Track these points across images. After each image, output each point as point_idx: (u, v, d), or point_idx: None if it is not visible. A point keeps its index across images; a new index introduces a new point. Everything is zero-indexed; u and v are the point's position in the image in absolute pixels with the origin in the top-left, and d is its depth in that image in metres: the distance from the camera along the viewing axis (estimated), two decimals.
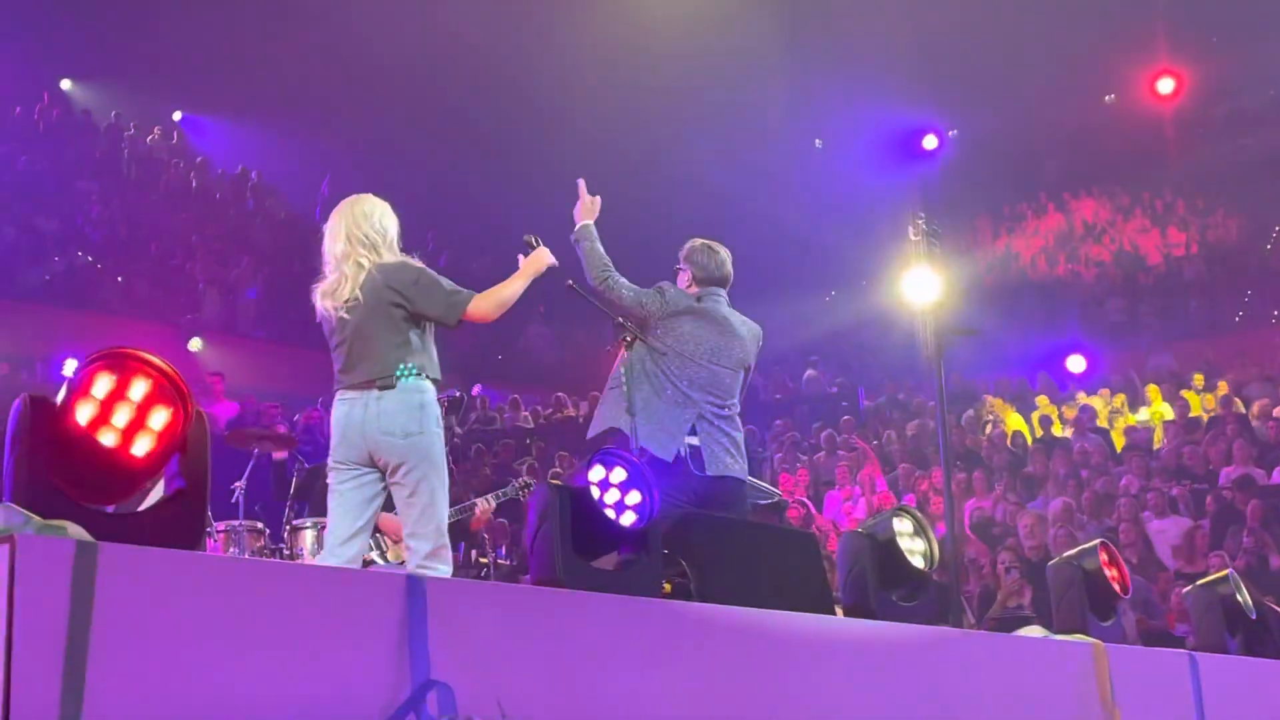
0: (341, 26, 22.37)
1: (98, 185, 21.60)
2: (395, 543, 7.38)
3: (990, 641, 4.72)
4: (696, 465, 6.02)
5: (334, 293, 5.18)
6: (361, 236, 5.20)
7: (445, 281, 5.26)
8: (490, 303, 5.27)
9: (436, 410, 5.15)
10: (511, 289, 5.38)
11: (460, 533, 8.36)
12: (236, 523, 8.08)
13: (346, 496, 5.08)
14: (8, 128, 21.89)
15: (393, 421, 5.01)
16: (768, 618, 3.79)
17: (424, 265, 5.30)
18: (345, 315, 5.13)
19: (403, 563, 7.49)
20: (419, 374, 5.11)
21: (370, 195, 5.43)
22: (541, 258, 5.57)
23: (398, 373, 5.07)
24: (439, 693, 2.88)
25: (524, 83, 22.97)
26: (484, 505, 8.40)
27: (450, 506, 8.29)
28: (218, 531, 7.87)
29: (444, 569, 4.94)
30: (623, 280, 6.57)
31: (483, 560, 9.59)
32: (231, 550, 8.08)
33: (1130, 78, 25.41)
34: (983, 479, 14.16)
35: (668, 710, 3.38)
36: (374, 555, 7.30)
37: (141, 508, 3.14)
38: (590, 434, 6.55)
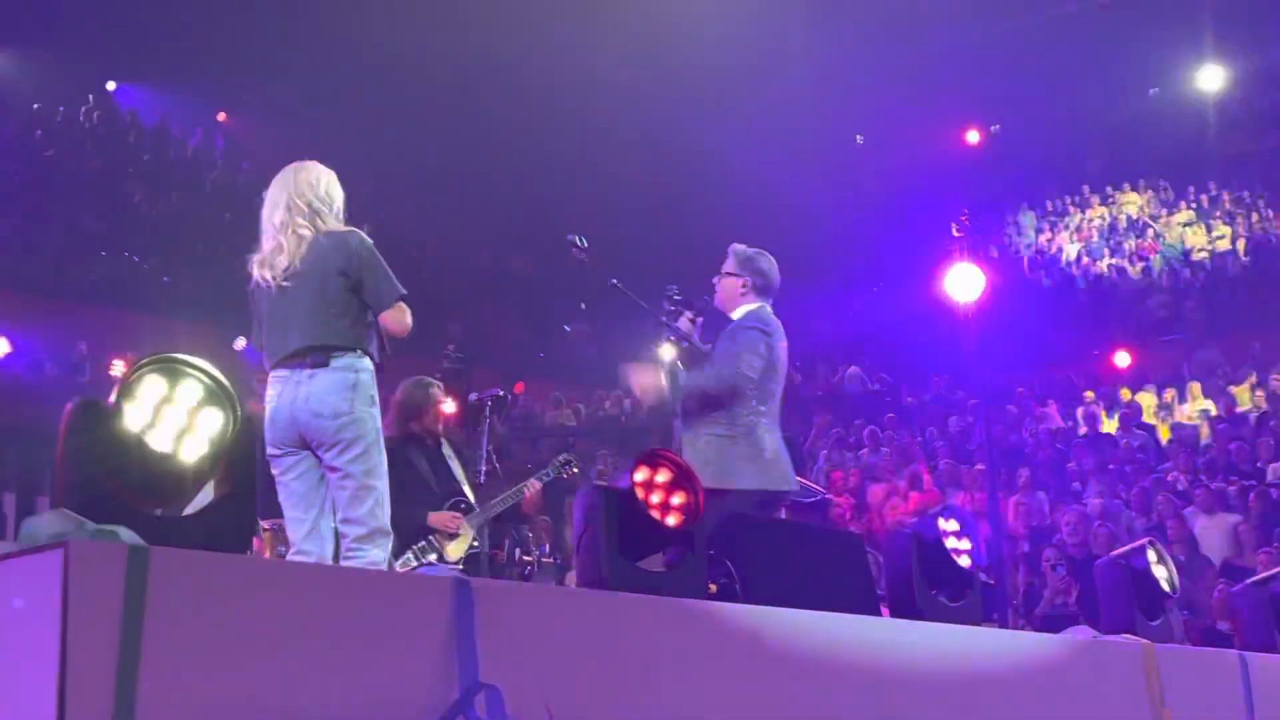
0: (386, 26, 22.45)
1: (144, 186, 21.78)
2: (450, 539, 7.36)
3: (1039, 642, 4.69)
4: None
5: (270, 262, 4.87)
6: (304, 205, 4.91)
7: (387, 269, 4.90)
8: (407, 316, 4.91)
9: (371, 389, 4.81)
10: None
11: (513, 516, 8.36)
12: (283, 521, 8.11)
13: (290, 488, 4.82)
14: (55, 130, 22.10)
15: (322, 402, 4.68)
16: (814, 619, 3.78)
17: (372, 243, 4.94)
18: (284, 284, 4.81)
19: (459, 561, 7.53)
20: (355, 350, 4.78)
21: (315, 163, 5.14)
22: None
23: (332, 347, 4.76)
24: (487, 695, 2.89)
25: (565, 80, 23.00)
26: (533, 485, 8.38)
27: (495, 496, 8.35)
28: (264, 529, 7.92)
29: (375, 553, 4.63)
30: (733, 371, 6.03)
31: (527, 558, 9.60)
32: (279, 549, 8.12)
33: (1174, 70, 25.19)
34: (1027, 475, 14.06)
35: (715, 714, 3.38)
36: (431, 557, 7.30)
37: (190, 511, 3.17)
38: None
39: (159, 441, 3.05)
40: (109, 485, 2.92)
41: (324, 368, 4.72)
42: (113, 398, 3.03)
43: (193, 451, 3.09)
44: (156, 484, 3.06)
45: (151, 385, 3.08)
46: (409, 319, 4.87)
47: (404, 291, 4.87)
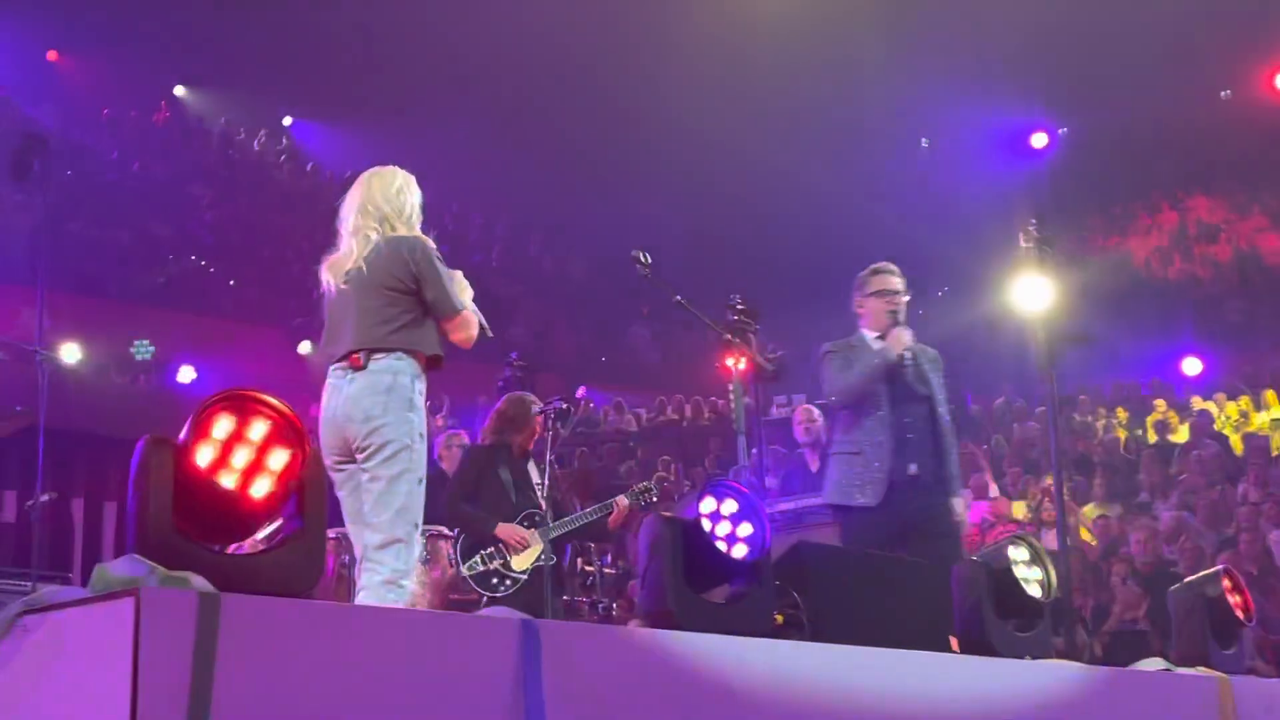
0: (450, 30, 22.53)
1: (210, 190, 22.00)
2: (518, 551, 7.42)
3: (1110, 677, 4.61)
4: None
5: (336, 266, 4.91)
6: (374, 210, 4.91)
7: (446, 280, 4.86)
8: (471, 325, 4.90)
9: (409, 393, 4.70)
10: (474, 318, 4.96)
11: (598, 531, 8.39)
12: (346, 530, 8.14)
13: (345, 504, 4.79)
14: (123, 133, 22.37)
15: (356, 405, 4.65)
16: (879, 657, 3.74)
17: (436, 249, 4.92)
18: (343, 287, 4.85)
19: (525, 571, 7.56)
20: (396, 353, 4.71)
21: (394, 167, 5.13)
22: (462, 287, 5.07)
23: (374, 349, 4.71)
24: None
25: (625, 86, 23.00)
26: (622, 502, 8.39)
27: (556, 506, 8.35)
28: (328, 539, 7.96)
29: (392, 566, 4.55)
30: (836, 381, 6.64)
31: (589, 569, 9.59)
32: (343, 558, 8.16)
33: (1247, 72, 24.82)
34: (1096, 486, 13.90)
35: None
36: (496, 564, 7.35)
37: (259, 548, 3.17)
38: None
39: (228, 479, 3.05)
40: (179, 525, 2.92)
41: (362, 371, 4.69)
42: (183, 435, 3.03)
43: (262, 489, 3.09)
44: (226, 522, 3.07)
45: (221, 422, 3.08)
46: (470, 331, 4.88)
47: (460, 307, 4.84)
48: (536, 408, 7.76)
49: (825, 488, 6.77)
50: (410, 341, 4.75)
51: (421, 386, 4.76)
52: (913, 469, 6.49)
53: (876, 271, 7.00)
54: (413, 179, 5.10)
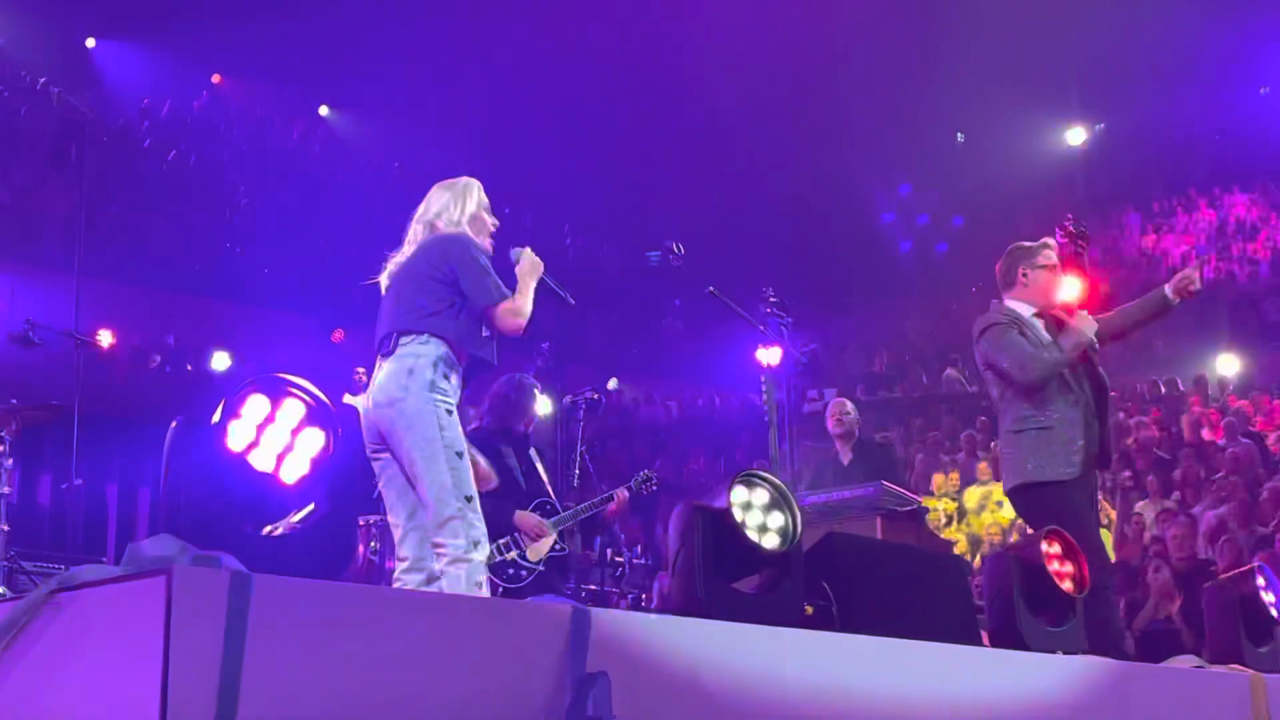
0: (483, 24, 22.57)
1: (245, 179, 22.08)
2: (534, 541, 7.33)
3: (1142, 673, 4.58)
4: None
5: (391, 266, 5.11)
6: (431, 215, 5.14)
7: (482, 272, 4.94)
8: (518, 313, 4.94)
9: (430, 374, 4.66)
10: (526, 302, 5.04)
11: (596, 525, 8.37)
12: (378, 518, 8.18)
13: (385, 494, 4.66)
14: (160, 120, 22.47)
15: (382, 390, 4.61)
16: (911, 649, 3.72)
17: (480, 246, 5.07)
18: (388, 281, 5.05)
19: (540, 562, 7.53)
20: (422, 335, 4.73)
21: (462, 178, 5.33)
22: (528, 266, 5.18)
23: (402, 331, 4.76)
24: (600, 689, 2.88)
25: (656, 78, 22.99)
26: (620, 495, 8.37)
27: (585, 499, 8.34)
28: (358, 526, 7.98)
29: (451, 544, 4.50)
30: (1035, 355, 6.42)
31: (619, 559, 9.60)
32: (373, 544, 8.20)
33: None
34: (1129, 484, 13.81)
35: None
36: (512, 554, 7.26)
37: (288, 530, 3.19)
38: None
39: (261, 461, 3.06)
40: (211, 506, 2.94)
41: (391, 355, 4.73)
42: (216, 416, 3.04)
43: (294, 471, 3.10)
44: (258, 504, 3.08)
45: (254, 405, 3.10)
46: (515, 319, 4.90)
47: (500, 297, 4.88)
48: (536, 388, 7.66)
49: (1008, 467, 6.54)
50: (438, 327, 4.77)
51: (447, 371, 4.73)
52: (1095, 446, 6.46)
53: (1046, 245, 6.89)
54: (475, 185, 5.29)
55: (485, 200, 5.28)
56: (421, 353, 4.69)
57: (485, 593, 4.50)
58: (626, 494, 8.42)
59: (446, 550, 4.47)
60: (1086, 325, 6.46)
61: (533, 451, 7.78)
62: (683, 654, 3.19)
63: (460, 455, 4.61)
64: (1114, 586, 6.32)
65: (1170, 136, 25.09)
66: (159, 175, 20.49)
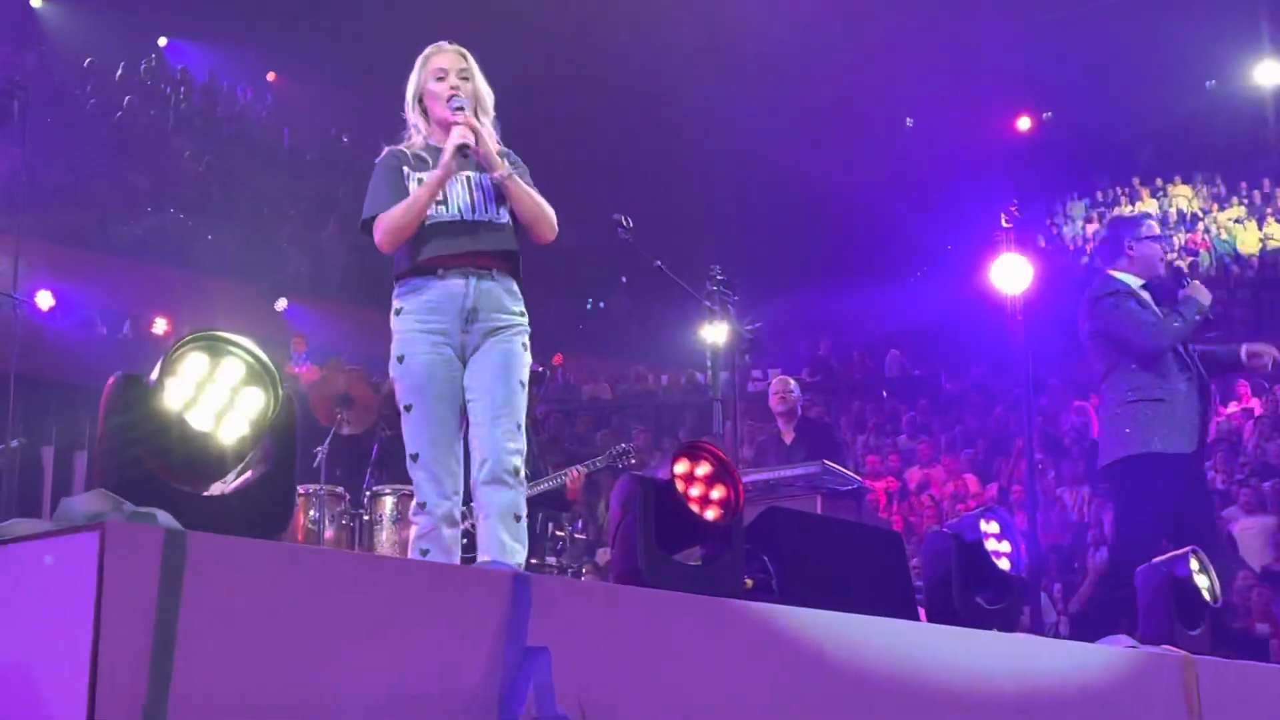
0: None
1: (191, 144, 21.85)
2: None
3: (1076, 651, 4.63)
4: None
5: None
6: None
7: (371, 188, 4.63)
8: (381, 227, 4.54)
9: (395, 327, 4.53)
10: (408, 209, 4.53)
11: (555, 502, 8.36)
12: (317, 487, 8.14)
13: None
14: (105, 84, 22.19)
15: None
16: (849, 622, 3.74)
17: (392, 154, 4.71)
18: None
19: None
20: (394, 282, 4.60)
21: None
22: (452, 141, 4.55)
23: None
24: (541, 663, 2.87)
25: (610, 58, 22.93)
26: (576, 474, 8.36)
27: (535, 477, 8.30)
28: (298, 495, 7.93)
29: (421, 520, 4.40)
30: (1160, 323, 6.48)
31: (559, 533, 9.60)
32: (311, 514, 8.15)
33: (1231, 63, 24.90)
34: (1067, 469, 13.95)
35: (746, 714, 3.34)
36: (466, 525, 7.25)
37: (227, 490, 3.14)
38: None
39: (199, 420, 3.01)
40: (148, 464, 2.89)
41: None
42: (154, 374, 2.99)
43: (233, 431, 3.06)
44: (196, 463, 3.04)
45: (193, 362, 3.05)
46: (379, 235, 4.54)
47: (364, 215, 4.62)
48: None
49: (1114, 438, 6.55)
50: (400, 267, 4.60)
51: (398, 305, 4.54)
52: (1204, 425, 6.49)
53: (1149, 216, 6.92)
54: (421, 57, 4.83)
55: (438, 63, 4.73)
56: (395, 300, 4.58)
57: (439, 556, 4.33)
58: (584, 473, 8.41)
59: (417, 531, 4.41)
60: (1203, 294, 6.51)
61: None
62: (625, 623, 3.18)
63: (407, 408, 4.45)
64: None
65: (1116, 127, 25.32)
66: (103, 138, 20.24)
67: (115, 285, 17.49)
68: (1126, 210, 6.89)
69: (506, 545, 4.32)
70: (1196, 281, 6.71)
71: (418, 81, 4.73)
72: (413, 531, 4.42)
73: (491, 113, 4.78)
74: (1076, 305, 6.87)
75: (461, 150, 4.47)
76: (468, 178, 4.60)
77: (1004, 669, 4.14)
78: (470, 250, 4.53)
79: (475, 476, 4.42)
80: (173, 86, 23.71)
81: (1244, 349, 6.77)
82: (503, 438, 4.42)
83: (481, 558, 4.30)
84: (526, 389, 4.58)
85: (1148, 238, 6.69)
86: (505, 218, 4.64)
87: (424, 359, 4.43)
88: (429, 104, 4.69)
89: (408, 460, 4.43)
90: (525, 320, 4.63)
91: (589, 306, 24.45)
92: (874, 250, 23.20)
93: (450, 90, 4.63)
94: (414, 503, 4.40)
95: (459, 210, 4.56)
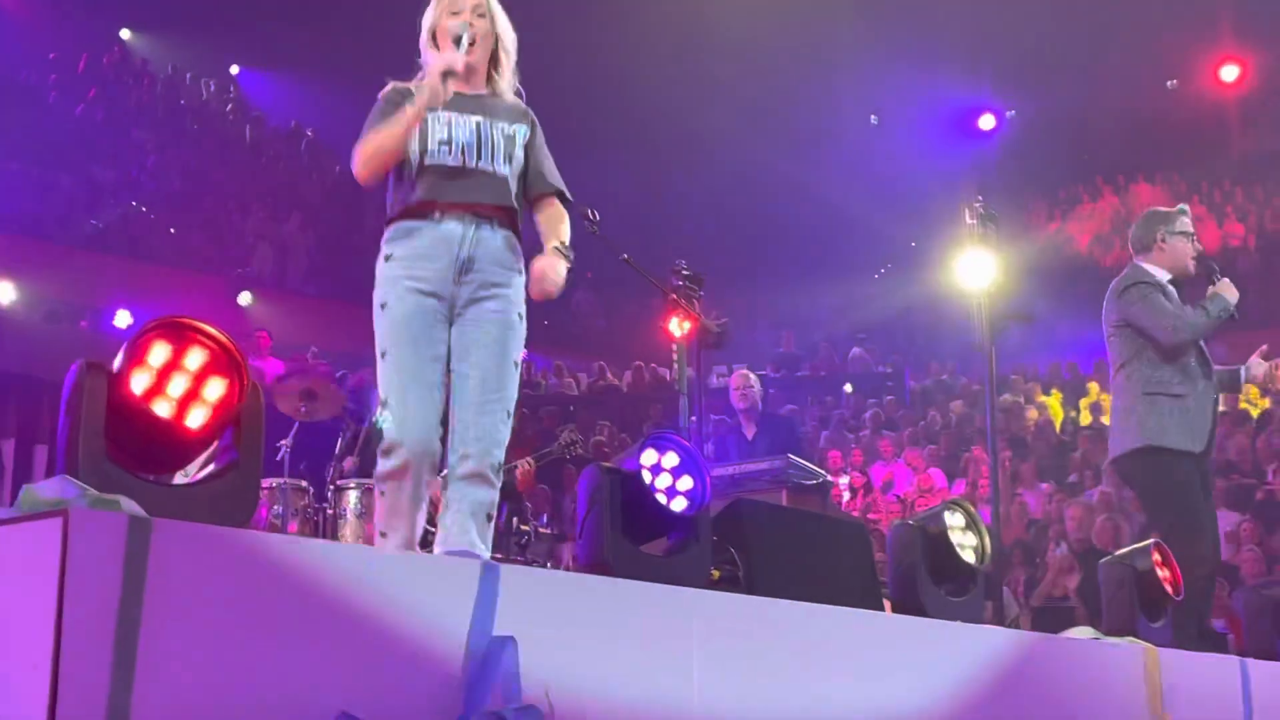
0: None
1: (154, 136, 21.71)
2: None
3: (1039, 642, 4.66)
4: None
5: None
6: None
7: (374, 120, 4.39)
8: (358, 156, 4.31)
9: (383, 271, 4.26)
10: (380, 137, 4.29)
11: (505, 495, 8.35)
12: (281, 481, 8.10)
13: None
14: (66, 76, 22.01)
15: None
16: (815, 612, 3.75)
17: (391, 90, 4.49)
18: None
19: None
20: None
21: None
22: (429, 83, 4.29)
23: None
24: (506, 649, 2.86)
25: (572, 55, 22.88)
26: (525, 466, 8.35)
27: None
28: (262, 489, 7.88)
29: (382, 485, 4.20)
30: (1180, 317, 6.52)
31: (524, 528, 9.59)
32: (275, 508, 8.11)
33: (1193, 63, 25.07)
34: (1030, 465, 14.04)
35: (715, 704, 3.34)
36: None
37: (193, 479, 3.12)
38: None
39: (164, 408, 2.99)
40: (111, 452, 2.87)
41: None
42: (117, 362, 2.97)
43: (198, 418, 3.04)
44: (160, 451, 3.02)
45: (157, 350, 3.02)
46: (357, 165, 4.32)
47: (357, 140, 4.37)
48: None
49: (1128, 430, 6.53)
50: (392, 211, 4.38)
51: (387, 250, 4.28)
52: (1215, 424, 6.52)
53: (1184, 211, 6.91)
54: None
55: (450, 2, 4.48)
56: (383, 246, 4.34)
57: (389, 500, 4.16)
58: (533, 466, 8.40)
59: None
60: (1230, 292, 6.53)
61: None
62: (592, 613, 3.18)
63: (382, 355, 4.21)
64: (1209, 575, 6.34)
65: (1078, 126, 25.47)
66: (65, 130, 20.08)
67: (77, 277, 17.36)
68: (1164, 209, 6.92)
69: (476, 545, 4.10)
70: (1226, 279, 6.72)
71: (433, 17, 4.50)
72: (376, 474, 4.24)
73: (513, 55, 4.57)
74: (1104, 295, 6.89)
75: (446, 76, 4.22)
76: (477, 124, 4.36)
77: (969, 660, 4.16)
78: (472, 197, 4.29)
79: (454, 467, 4.19)
80: (135, 79, 23.53)
81: (1245, 371, 6.82)
82: (491, 428, 4.21)
83: (441, 548, 4.16)
84: (519, 370, 4.39)
85: (1181, 233, 6.71)
86: (508, 171, 4.40)
87: (407, 307, 4.18)
88: (440, 41, 4.45)
89: (378, 408, 4.23)
90: (523, 281, 4.40)
91: (557, 303, 24.39)
92: (838, 246, 23.25)
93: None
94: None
95: (462, 154, 4.31)
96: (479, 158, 4.32)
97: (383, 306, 4.19)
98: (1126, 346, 6.58)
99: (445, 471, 4.29)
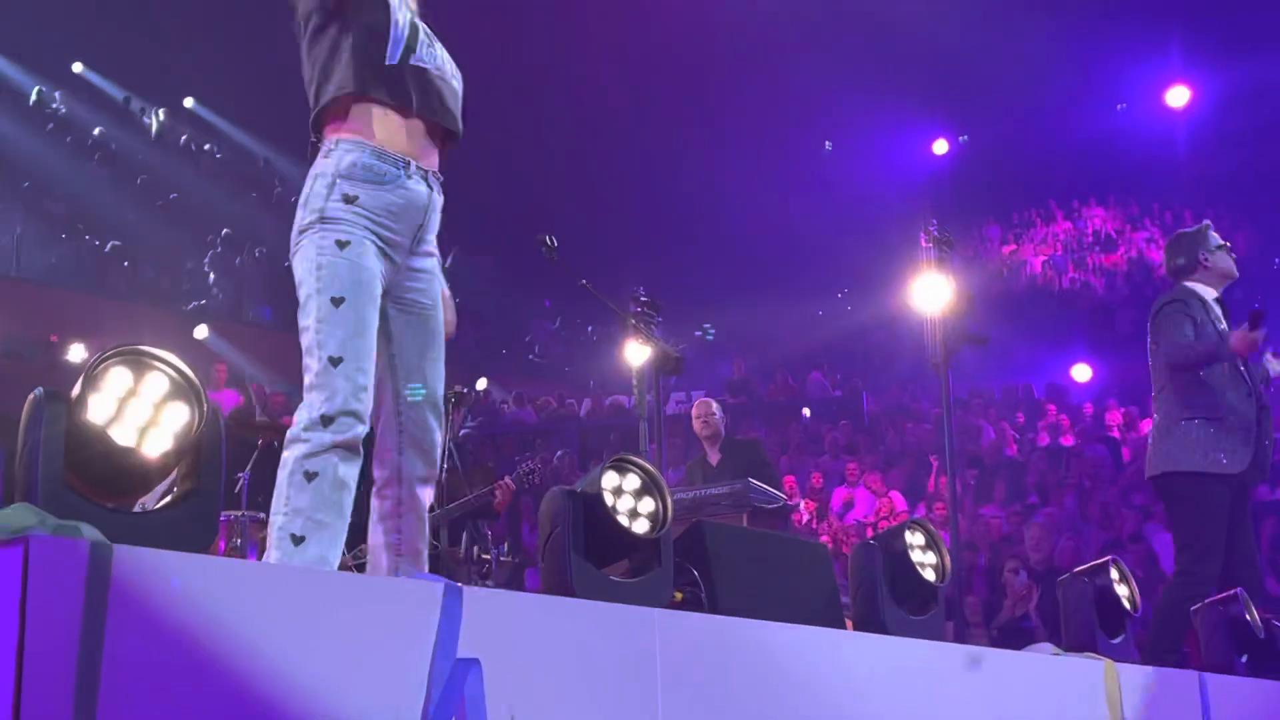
0: None
1: (107, 169, 21.61)
2: None
3: (1001, 658, 4.68)
4: None
5: None
6: None
7: None
8: None
9: (316, 200, 3.55)
10: None
11: (484, 513, 8.34)
12: (240, 514, 8.05)
13: None
14: (20, 110, 21.90)
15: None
16: (778, 631, 3.76)
17: None
18: None
19: None
20: (325, 142, 3.66)
21: None
22: None
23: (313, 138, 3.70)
24: (469, 672, 2.85)
25: (532, 78, 22.94)
26: (507, 485, 8.35)
27: (457, 496, 8.26)
28: (220, 521, 7.83)
29: (297, 418, 3.46)
30: (1181, 346, 6.59)
31: (485, 556, 9.58)
32: (235, 541, 8.06)
33: (1142, 87, 25.38)
34: (987, 487, 14.11)
35: None
36: None
37: (151, 506, 3.11)
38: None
39: (123, 435, 2.99)
40: (70, 479, 2.86)
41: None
42: (76, 389, 2.96)
43: (157, 446, 3.03)
44: (119, 479, 3.01)
45: (116, 377, 3.02)
46: None
47: None
48: None
49: (1160, 452, 6.63)
50: (322, 106, 3.69)
51: (349, 190, 3.55)
52: (1264, 444, 6.53)
53: (1209, 225, 6.97)
54: None
55: None
56: (315, 171, 3.64)
57: (325, 487, 3.41)
58: (513, 485, 8.40)
59: (290, 429, 3.47)
60: (1274, 369, 6.60)
61: None
62: (556, 635, 3.18)
63: (337, 302, 3.48)
64: (1197, 595, 6.37)
65: (1031, 150, 25.74)
66: (17, 164, 19.97)
67: (30, 311, 17.24)
68: (1190, 229, 6.99)
69: (423, 554, 3.73)
70: (1275, 360, 6.84)
71: None
72: (297, 449, 3.43)
73: None
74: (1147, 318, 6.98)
75: None
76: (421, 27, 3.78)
77: (928, 676, 4.18)
78: (440, 134, 3.77)
79: (401, 467, 3.72)
80: (88, 111, 23.43)
81: (1270, 364, 6.90)
82: (435, 425, 3.77)
83: (383, 558, 3.73)
84: None
85: (1219, 247, 6.82)
86: None
87: (371, 259, 3.55)
88: None
89: (321, 366, 3.45)
90: None
91: (515, 332, 24.38)
92: (795, 271, 23.37)
93: None
94: (310, 414, 3.43)
95: (437, 63, 3.78)
96: (444, 71, 3.84)
97: (340, 245, 3.50)
98: (1162, 370, 6.70)
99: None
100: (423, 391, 3.73)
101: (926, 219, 10.66)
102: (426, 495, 3.74)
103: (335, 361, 3.42)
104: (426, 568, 3.77)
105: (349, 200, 3.52)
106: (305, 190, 3.59)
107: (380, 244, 3.56)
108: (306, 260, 3.52)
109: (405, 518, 3.71)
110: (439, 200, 3.75)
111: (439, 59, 3.75)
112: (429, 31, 3.78)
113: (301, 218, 3.56)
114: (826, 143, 27.14)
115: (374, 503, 3.68)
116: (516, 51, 22.59)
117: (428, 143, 3.72)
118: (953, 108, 25.62)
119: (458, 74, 3.83)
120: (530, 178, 23.62)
